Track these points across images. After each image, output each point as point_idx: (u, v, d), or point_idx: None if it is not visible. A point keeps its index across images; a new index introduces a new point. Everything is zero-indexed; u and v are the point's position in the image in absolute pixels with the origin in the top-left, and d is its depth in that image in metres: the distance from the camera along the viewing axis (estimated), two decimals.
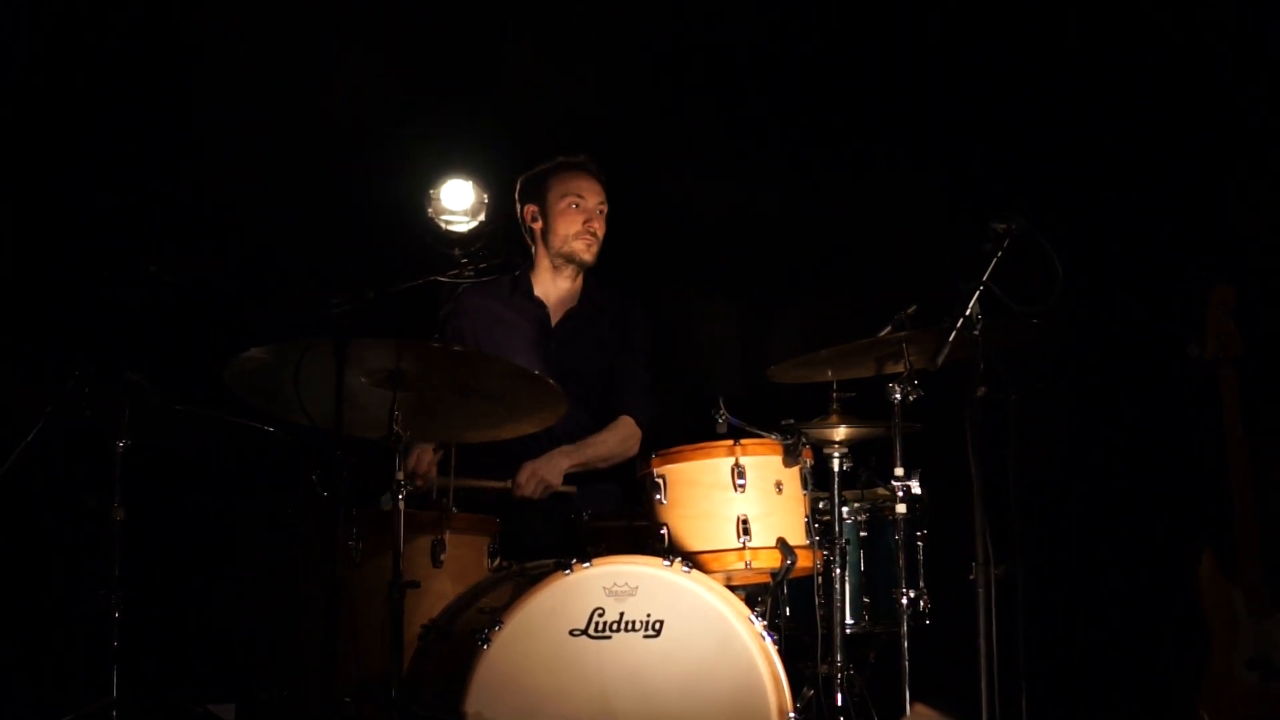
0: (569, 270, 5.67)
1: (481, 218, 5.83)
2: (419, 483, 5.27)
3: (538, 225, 5.68)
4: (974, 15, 6.18)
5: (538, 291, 5.69)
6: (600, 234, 5.63)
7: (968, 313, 4.60)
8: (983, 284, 4.61)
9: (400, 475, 4.58)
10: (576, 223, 5.61)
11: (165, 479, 5.63)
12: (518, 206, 5.73)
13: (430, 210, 5.82)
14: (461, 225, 5.82)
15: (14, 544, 5.76)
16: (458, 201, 5.82)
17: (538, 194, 5.68)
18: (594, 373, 5.61)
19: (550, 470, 5.36)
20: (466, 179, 5.82)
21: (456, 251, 5.65)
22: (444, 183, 5.84)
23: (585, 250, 5.62)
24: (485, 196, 5.83)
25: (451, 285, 5.05)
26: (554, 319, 5.68)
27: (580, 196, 5.61)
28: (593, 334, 5.66)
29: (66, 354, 4.74)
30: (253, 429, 4.90)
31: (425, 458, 5.33)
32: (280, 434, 4.88)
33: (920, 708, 3.08)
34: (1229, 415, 5.25)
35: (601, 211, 5.64)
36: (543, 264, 5.70)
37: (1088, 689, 5.85)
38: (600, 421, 5.59)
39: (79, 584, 5.34)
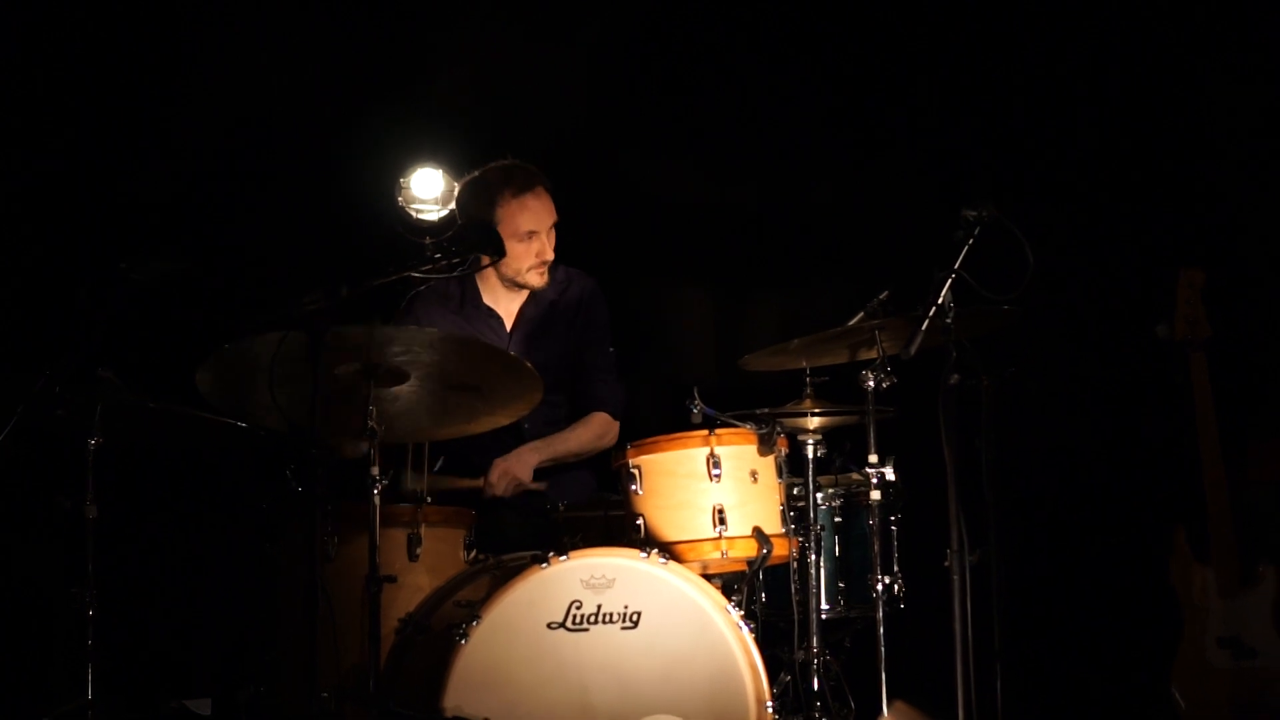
0: (520, 289, 5.50)
1: (452, 205, 5.83)
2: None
3: None
4: (943, 2, 6.19)
5: (486, 300, 5.50)
6: (551, 257, 5.39)
7: (940, 301, 4.62)
8: (955, 272, 4.63)
9: (375, 470, 4.56)
10: (529, 257, 5.36)
11: (139, 477, 5.61)
12: (459, 215, 5.45)
13: (401, 199, 5.81)
14: (432, 214, 5.82)
15: None
16: (428, 190, 5.82)
17: (484, 213, 5.32)
18: (557, 365, 5.45)
19: (521, 467, 5.29)
20: (436, 168, 5.82)
21: (428, 240, 5.64)
22: (414, 172, 5.84)
23: (538, 279, 5.41)
24: (455, 185, 5.83)
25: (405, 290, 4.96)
26: (508, 323, 5.52)
27: (532, 230, 5.33)
28: (550, 330, 5.52)
29: (37, 353, 4.70)
30: (226, 425, 4.88)
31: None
32: (254, 430, 4.86)
33: (899, 705, 3.09)
34: (1199, 396, 5.28)
35: (553, 230, 5.40)
36: (491, 278, 5.48)
37: (1062, 670, 5.89)
38: (572, 411, 5.53)
39: (53, 584, 5.31)
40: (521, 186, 5.34)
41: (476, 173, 5.46)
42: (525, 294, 5.51)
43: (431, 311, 5.48)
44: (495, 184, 5.37)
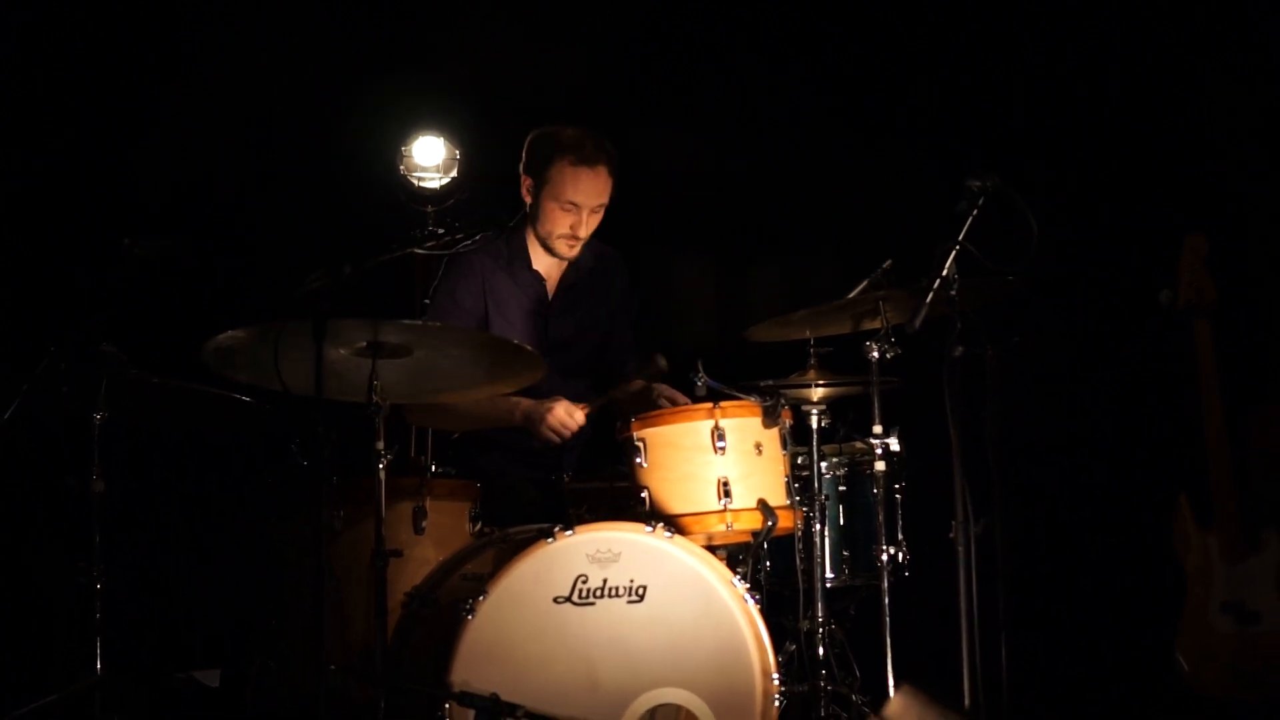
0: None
1: (454, 174, 5.82)
2: (567, 434, 5.18)
3: (529, 199, 5.37)
4: None
5: (535, 264, 5.46)
6: (586, 236, 5.36)
7: (944, 273, 4.62)
8: (959, 244, 4.62)
9: (380, 445, 4.56)
10: (563, 225, 5.32)
11: (145, 453, 5.61)
12: (521, 162, 5.40)
13: (403, 167, 5.81)
14: (433, 181, 5.81)
15: None
16: (429, 158, 5.81)
17: (537, 172, 5.33)
18: (588, 344, 5.51)
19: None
20: (438, 135, 5.80)
21: (430, 208, 5.64)
22: (415, 139, 5.83)
23: (566, 250, 5.38)
24: (457, 152, 5.82)
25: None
26: (550, 291, 5.50)
27: (574, 204, 5.29)
28: (586, 304, 5.53)
29: (42, 331, 4.70)
30: (231, 400, 4.88)
31: (577, 414, 5.17)
32: (259, 405, 4.87)
33: (905, 690, 3.10)
34: (1202, 363, 5.28)
35: (599, 209, 5.34)
36: (532, 235, 5.45)
37: (1066, 638, 5.91)
38: (592, 388, 5.52)
39: (61, 561, 5.32)
40: (582, 159, 5.28)
41: (551, 127, 5.39)
42: (564, 262, 5.48)
43: (481, 265, 5.40)
44: (561, 145, 5.30)
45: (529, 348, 4.69)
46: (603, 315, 5.58)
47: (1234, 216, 5.79)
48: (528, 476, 5.35)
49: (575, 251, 5.40)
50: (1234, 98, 5.87)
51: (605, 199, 5.33)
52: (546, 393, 5.22)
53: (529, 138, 5.39)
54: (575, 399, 5.26)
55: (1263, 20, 5.77)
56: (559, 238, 5.35)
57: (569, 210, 5.30)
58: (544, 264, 5.47)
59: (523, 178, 5.38)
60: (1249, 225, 5.79)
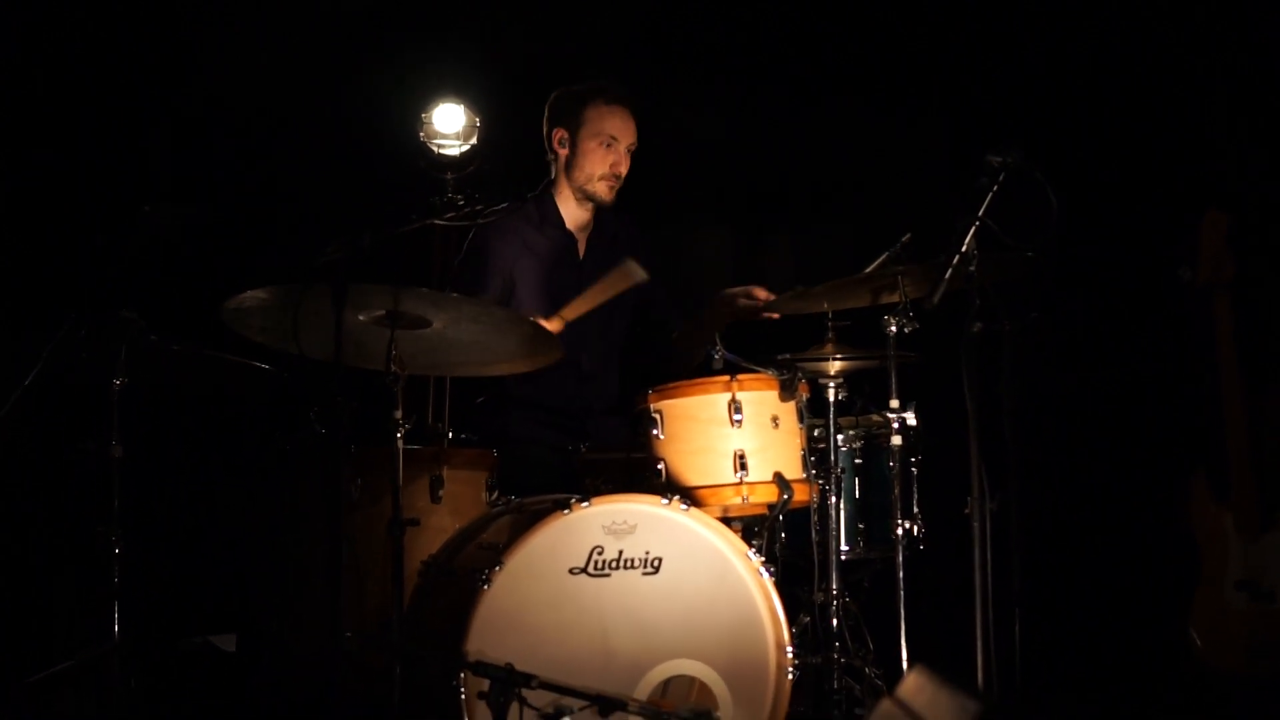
0: (588, 204, 5.58)
1: (473, 141, 5.81)
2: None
3: (564, 152, 5.54)
4: None
5: (568, 224, 5.59)
6: (624, 175, 5.52)
7: (964, 248, 4.61)
8: (979, 219, 4.61)
9: (398, 414, 4.57)
10: (604, 164, 5.48)
11: (164, 419, 5.63)
12: (546, 124, 5.58)
13: (422, 134, 5.79)
14: (453, 148, 5.80)
15: (14, 489, 5.78)
16: (449, 125, 5.79)
17: (570, 120, 5.52)
18: (620, 304, 5.54)
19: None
20: (458, 103, 5.79)
21: (449, 175, 5.64)
22: (436, 106, 5.82)
23: (608, 193, 5.51)
24: (477, 120, 5.81)
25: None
26: (580, 249, 5.62)
27: (614, 137, 5.46)
28: (616, 260, 5.50)
29: (63, 298, 4.71)
30: (249, 368, 4.90)
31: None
32: (278, 372, 4.88)
33: (919, 670, 3.11)
34: (1222, 339, 5.26)
35: (630, 150, 5.51)
36: (564, 190, 5.58)
37: (1080, 613, 5.91)
38: (618, 353, 5.64)
39: (80, 527, 5.35)
40: (614, 98, 5.51)
41: (570, 85, 5.59)
42: (592, 221, 5.59)
43: (513, 228, 5.51)
44: (589, 90, 5.53)
45: (547, 325, 4.70)
46: None
47: (1255, 192, 5.76)
48: (547, 441, 5.37)
49: (614, 195, 5.53)
50: (1256, 69, 5.84)
51: (635, 141, 5.51)
52: (579, 350, 5.31)
53: (552, 97, 5.58)
54: (610, 362, 5.48)
55: None
56: (600, 179, 5.49)
57: (610, 147, 5.47)
58: (575, 222, 5.59)
59: (554, 133, 5.55)
60: (1270, 200, 5.77)
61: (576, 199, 5.58)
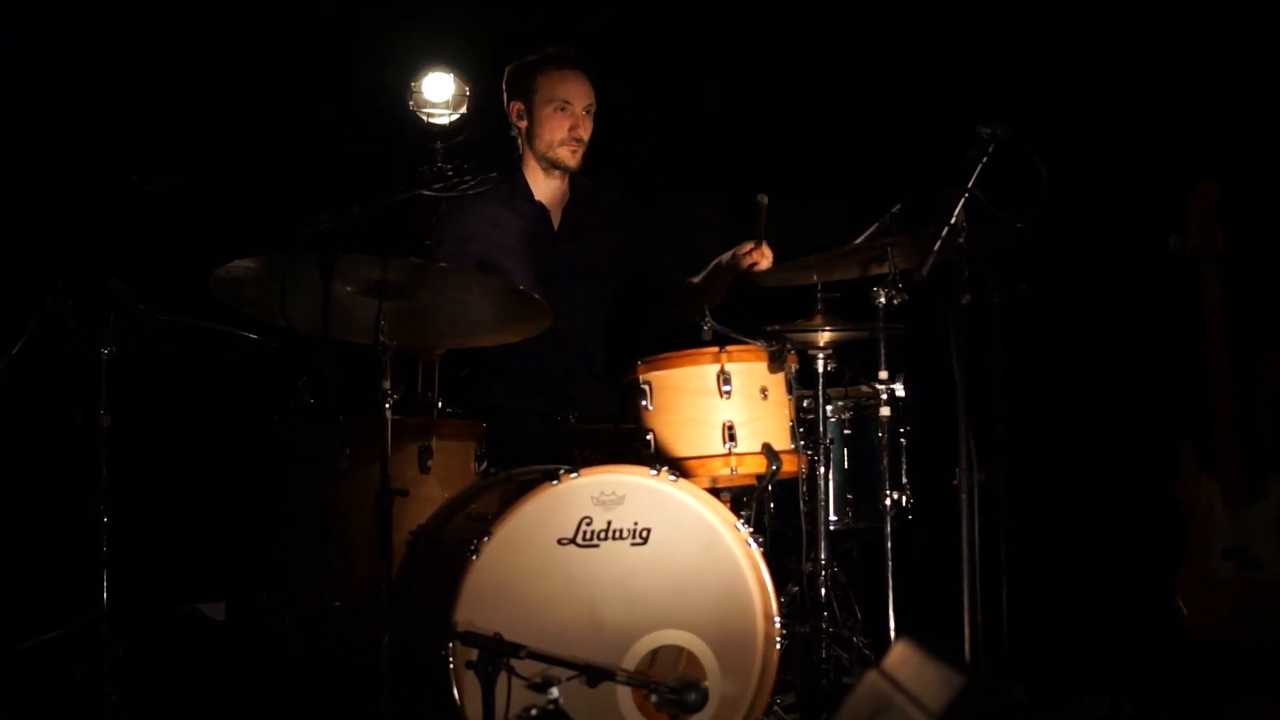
0: (556, 172, 5.57)
1: (463, 110, 5.80)
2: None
3: (523, 124, 5.53)
4: None
5: (538, 196, 5.57)
6: (586, 138, 5.50)
7: (953, 220, 4.61)
8: (968, 190, 4.61)
9: (386, 384, 4.57)
10: (562, 128, 5.47)
11: (152, 388, 5.62)
12: (505, 99, 5.59)
13: (412, 103, 5.78)
14: (443, 117, 5.79)
15: (2, 458, 5.77)
16: (439, 94, 5.79)
17: (524, 91, 5.52)
18: (606, 268, 5.58)
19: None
20: (448, 71, 5.78)
21: (439, 144, 5.62)
22: (425, 75, 5.81)
23: (570, 157, 5.50)
24: (466, 88, 5.80)
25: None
26: (555, 220, 5.60)
27: (567, 101, 5.46)
28: (594, 230, 5.60)
29: (51, 266, 4.70)
30: (237, 337, 4.89)
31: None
32: (266, 342, 4.87)
33: (905, 642, 3.12)
34: (1209, 310, 5.28)
35: (589, 112, 5.50)
36: (531, 163, 5.56)
37: (1068, 583, 5.93)
38: (615, 311, 5.64)
39: (68, 496, 5.34)
40: (562, 63, 5.50)
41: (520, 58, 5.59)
42: (564, 179, 5.57)
43: (481, 205, 5.48)
44: (538, 60, 5.53)
45: (537, 296, 4.69)
46: (620, 243, 5.64)
47: (1243, 162, 5.76)
48: (535, 410, 5.37)
49: (578, 159, 5.51)
50: (1246, 40, 5.84)
51: (592, 101, 5.51)
52: (565, 321, 5.26)
53: (505, 72, 5.58)
54: (592, 330, 5.47)
55: None
56: (561, 144, 5.48)
57: (566, 111, 5.46)
58: (545, 194, 5.57)
59: (512, 107, 5.55)
60: (1261, 172, 5.77)
61: (544, 169, 5.55)
